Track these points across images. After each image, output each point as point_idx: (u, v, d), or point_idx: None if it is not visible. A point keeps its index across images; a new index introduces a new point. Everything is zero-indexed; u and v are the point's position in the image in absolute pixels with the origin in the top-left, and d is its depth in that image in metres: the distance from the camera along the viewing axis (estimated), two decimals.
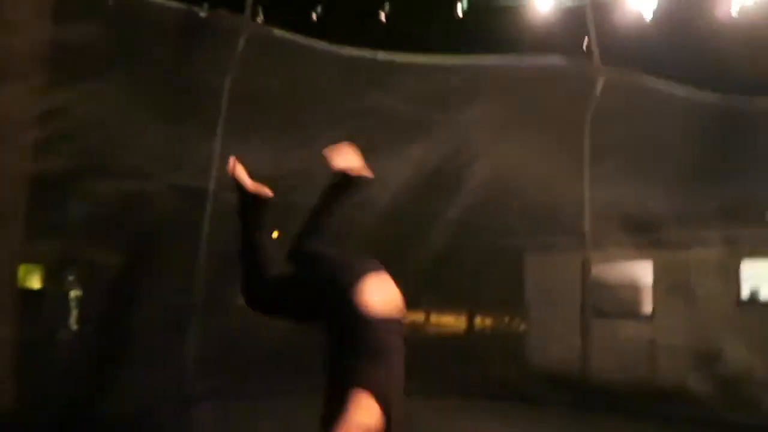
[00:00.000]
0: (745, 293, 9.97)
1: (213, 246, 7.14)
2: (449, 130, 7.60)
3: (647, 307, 10.88)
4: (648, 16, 8.70)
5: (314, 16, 10.75)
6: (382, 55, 7.98)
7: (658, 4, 8.68)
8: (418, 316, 14.04)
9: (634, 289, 11.02)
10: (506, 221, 8.96)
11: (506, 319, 12.83)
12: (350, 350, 1.99)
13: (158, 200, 6.74)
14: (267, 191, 2.48)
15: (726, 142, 9.17)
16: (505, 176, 7.88)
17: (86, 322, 9.86)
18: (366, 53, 7.96)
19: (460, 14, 10.05)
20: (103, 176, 6.72)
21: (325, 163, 2.46)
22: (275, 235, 3.75)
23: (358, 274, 2.13)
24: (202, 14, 7.30)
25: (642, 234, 9.71)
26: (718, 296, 9.67)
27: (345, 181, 2.42)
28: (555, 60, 8.52)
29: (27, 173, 5.90)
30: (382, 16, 10.71)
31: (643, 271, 10.90)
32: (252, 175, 2.48)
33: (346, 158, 2.42)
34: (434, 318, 14.52)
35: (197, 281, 7.18)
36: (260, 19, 8.09)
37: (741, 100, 8.94)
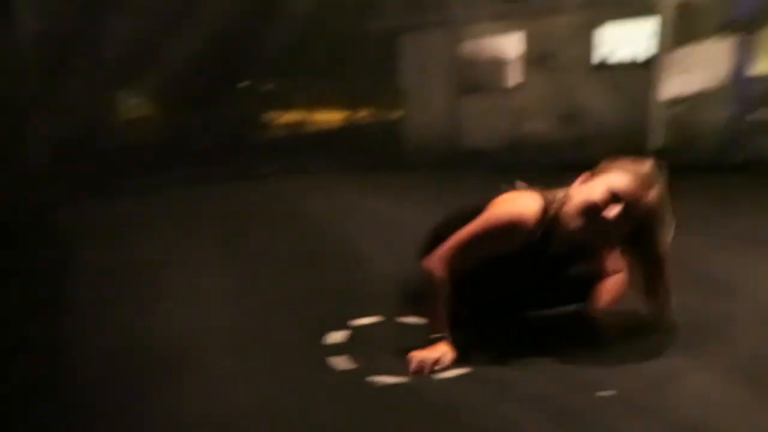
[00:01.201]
0: (601, 56, 10.49)
1: None
2: None
3: (516, 78, 11.28)
4: None
5: None
6: None
7: None
8: (296, 116, 13.77)
9: (504, 62, 11.30)
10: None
11: (383, 104, 12.88)
12: None
13: None
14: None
15: None
16: None
17: None
18: None
19: None
20: None
21: None
22: None
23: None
24: None
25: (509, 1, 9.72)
26: (577, 61, 10.17)
27: None
28: None
29: None
30: None
31: (511, 45, 11.11)
32: None
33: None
34: (310, 116, 14.32)
35: None
36: None
37: None
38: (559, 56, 10.20)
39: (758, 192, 5.29)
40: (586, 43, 10.13)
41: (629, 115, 8.74)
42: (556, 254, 2.18)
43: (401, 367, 2.01)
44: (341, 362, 2.12)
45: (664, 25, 8.18)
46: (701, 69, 5.57)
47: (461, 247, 2.09)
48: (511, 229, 2.07)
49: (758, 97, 6.58)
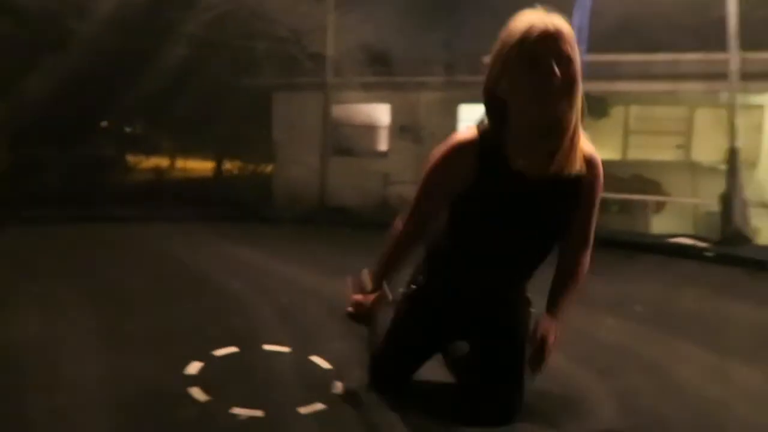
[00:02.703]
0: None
1: None
2: None
3: (383, 144, 12.00)
4: None
5: None
6: None
7: None
8: (162, 162, 13.46)
9: (376, 128, 12.00)
10: (251, 49, 8.78)
11: (254, 158, 13.01)
12: None
13: None
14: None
15: None
16: None
17: None
18: None
19: None
20: None
21: None
22: None
23: None
24: None
25: (378, 72, 10.46)
26: (440, 135, 11.08)
27: None
28: None
29: None
30: None
31: (381, 113, 11.86)
32: None
33: None
34: (181, 162, 14.07)
35: None
36: None
37: None
38: (423, 128, 11.06)
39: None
40: (449, 118, 11.12)
41: None
42: (529, 198, 1.98)
43: (258, 399, 2.15)
44: (199, 393, 2.22)
45: None
46: None
47: (418, 195, 2.08)
48: (453, 154, 1.98)
49: None
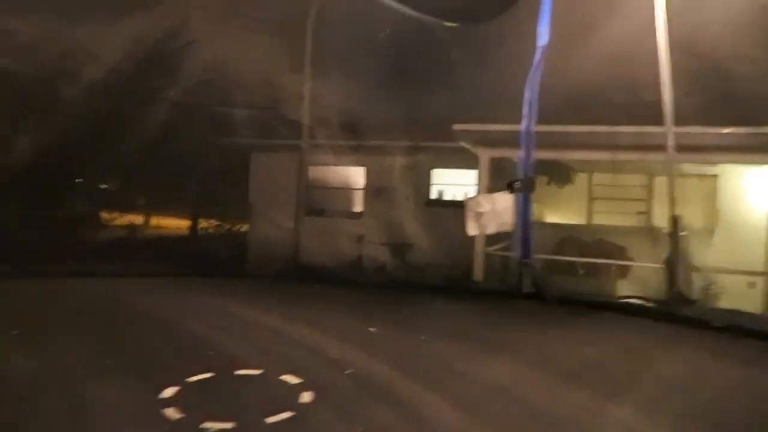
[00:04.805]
0: (433, 195, 11.90)
1: None
2: (168, 7, 7.34)
3: (358, 206, 12.28)
4: None
5: None
6: None
7: None
8: (137, 218, 13.53)
9: (348, 190, 12.31)
10: (229, 115, 9.12)
11: (230, 216, 13.17)
12: None
13: None
14: None
15: (423, 59, 10.53)
16: (226, 63, 7.97)
17: None
18: None
19: None
20: None
21: None
22: None
23: None
24: None
25: (352, 137, 10.86)
26: (412, 198, 11.46)
27: None
28: None
29: None
30: None
31: (355, 175, 12.21)
32: None
33: None
34: (155, 219, 14.15)
35: None
36: None
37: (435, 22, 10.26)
38: (394, 191, 11.41)
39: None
40: (420, 182, 11.50)
41: (455, 249, 9.84)
42: None
43: (229, 413, 2.29)
44: (173, 413, 2.35)
45: (481, 176, 9.64)
46: (494, 215, 6.76)
47: None
48: None
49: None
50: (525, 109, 5.88)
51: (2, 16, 6.62)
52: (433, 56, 10.44)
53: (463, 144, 9.69)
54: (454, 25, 7.17)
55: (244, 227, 12.61)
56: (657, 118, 7.13)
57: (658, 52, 6.88)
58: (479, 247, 9.20)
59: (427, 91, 10.86)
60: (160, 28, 7.46)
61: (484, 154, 9.49)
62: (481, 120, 9.13)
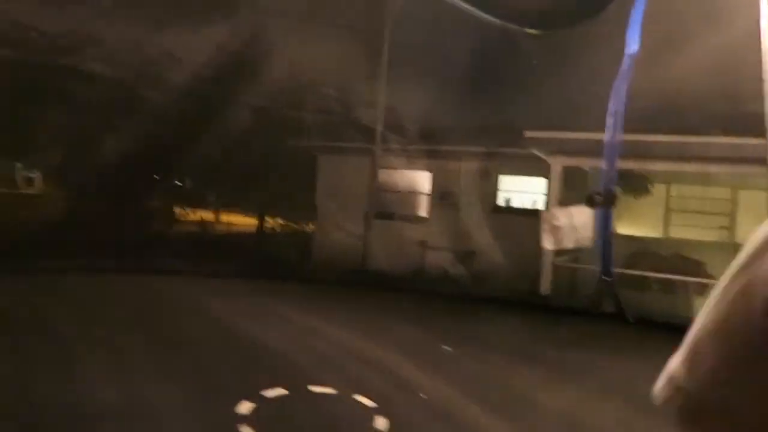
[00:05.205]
0: (500, 201, 11.69)
1: None
2: (248, 14, 7.53)
3: (423, 211, 12.20)
4: None
5: None
6: None
7: None
8: (207, 215, 13.94)
9: (414, 195, 12.25)
10: (301, 119, 9.25)
11: (296, 217, 13.35)
12: None
13: None
14: None
15: (499, 65, 10.35)
16: (302, 68, 8.10)
17: None
18: None
19: None
20: None
21: None
22: None
23: None
24: None
25: (425, 142, 10.79)
26: (478, 204, 11.28)
27: None
28: None
29: None
30: None
31: (421, 180, 12.14)
32: None
33: None
34: (225, 217, 14.54)
35: None
36: None
37: (516, 28, 10.06)
38: (460, 196, 11.25)
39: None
40: (487, 188, 11.31)
41: (522, 259, 9.64)
42: None
43: None
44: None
45: (552, 185, 9.40)
46: (572, 229, 6.54)
47: None
48: None
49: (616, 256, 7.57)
50: (609, 120, 5.64)
51: (93, 24, 6.98)
52: (513, 63, 10.26)
53: (534, 151, 9.48)
54: (535, 32, 7.00)
55: (311, 228, 12.76)
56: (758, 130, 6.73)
57: (762, 62, 6.50)
58: (548, 259, 8.97)
59: (504, 98, 10.66)
60: (241, 35, 7.64)
61: (557, 163, 9.25)
62: (556, 128, 8.92)
